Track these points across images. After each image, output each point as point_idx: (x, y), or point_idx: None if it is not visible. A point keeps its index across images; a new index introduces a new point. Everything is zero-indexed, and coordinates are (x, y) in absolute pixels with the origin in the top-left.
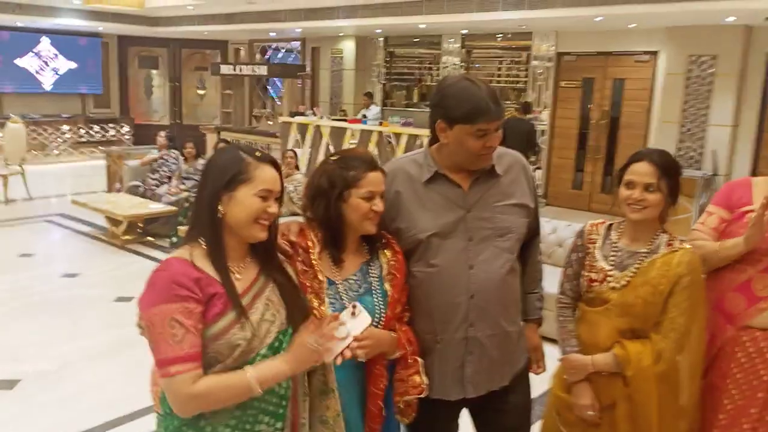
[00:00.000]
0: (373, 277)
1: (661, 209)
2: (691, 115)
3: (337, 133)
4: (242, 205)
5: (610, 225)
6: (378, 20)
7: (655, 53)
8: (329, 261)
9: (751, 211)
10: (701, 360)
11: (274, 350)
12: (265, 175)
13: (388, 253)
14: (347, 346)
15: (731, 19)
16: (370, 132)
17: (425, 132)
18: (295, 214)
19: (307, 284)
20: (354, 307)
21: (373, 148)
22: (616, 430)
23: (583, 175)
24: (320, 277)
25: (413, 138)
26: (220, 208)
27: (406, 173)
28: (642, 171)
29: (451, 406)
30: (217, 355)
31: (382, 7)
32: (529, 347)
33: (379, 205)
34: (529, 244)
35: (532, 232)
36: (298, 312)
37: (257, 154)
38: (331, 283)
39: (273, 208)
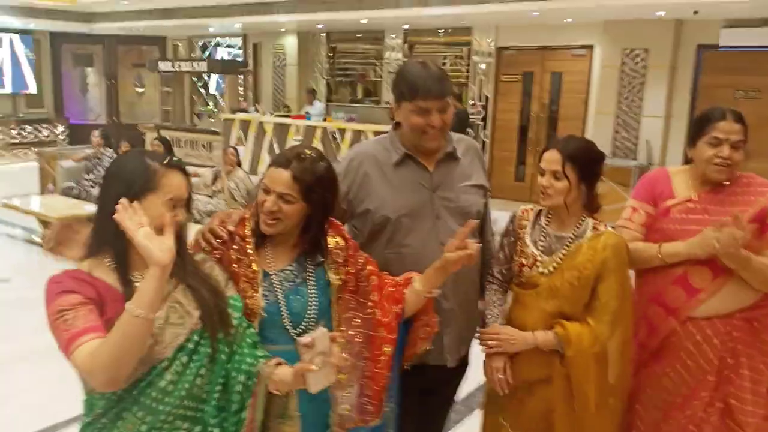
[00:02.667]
0: (310, 267)
1: (572, 195)
2: (625, 106)
3: (281, 130)
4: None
5: (540, 211)
6: (318, 15)
7: (591, 47)
8: (265, 252)
9: (677, 204)
10: (630, 339)
11: (190, 353)
12: (173, 183)
13: (331, 241)
14: (332, 365)
15: (662, 13)
16: (315, 128)
17: (370, 128)
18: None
19: (241, 273)
20: (304, 345)
21: (317, 144)
22: (550, 403)
23: (525, 168)
24: (255, 267)
25: (358, 134)
26: None
27: (373, 156)
28: (549, 158)
29: (426, 375)
30: None
31: (322, 2)
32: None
33: (269, 202)
34: (483, 224)
35: (487, 211)
36: (215, 312)
37: (164, 161)
38: (265, 274)
39: (180, 215)
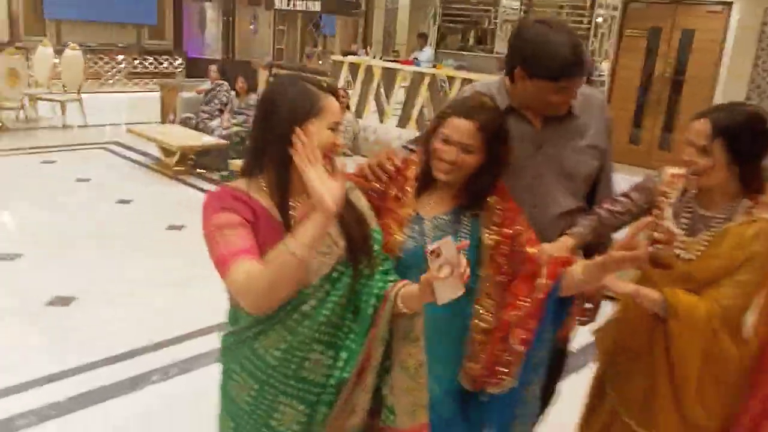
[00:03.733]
0: (465, 221)
1: (719, 176)
2: (762, 71)
3: (389, 75)
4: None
5: None
6: None
7: (729, 4)
8: (424, 197)
9: None
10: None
11: (333, 282)
12: (334, 107)
13: (492, 200)
14: (459, 275)
15: None
16: (423, 74)
17: (480, 77)
18: (344, 155)
19: (394, 211)
20: (432, 252)
21: (424, 92)
22: (653, 380)
23: (641, 131)
24: (409, 209)
25: (467, 82)
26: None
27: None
28: (696, 129)
29: None
30: None
31: None
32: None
33: (450, 152)
34: (596, 188)
35: (603, 175)
36: (360, 243)
37: (324, 84)
38: (419, 218)
39: (340, 139)
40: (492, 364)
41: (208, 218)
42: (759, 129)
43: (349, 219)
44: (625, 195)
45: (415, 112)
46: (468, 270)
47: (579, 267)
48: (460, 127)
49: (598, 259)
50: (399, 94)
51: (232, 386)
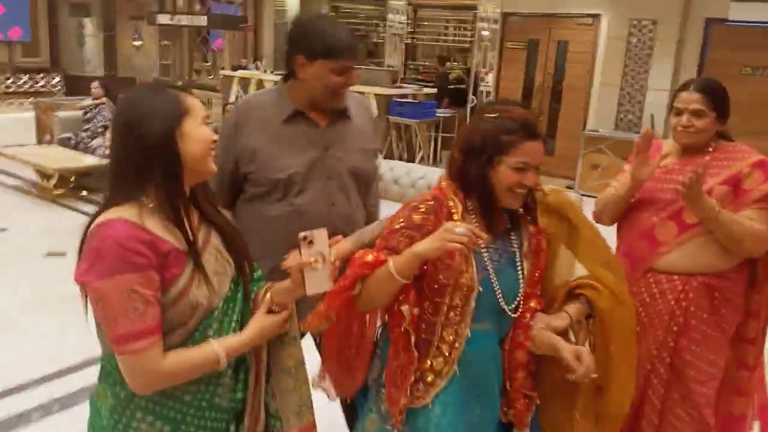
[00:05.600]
0: (514, 247)
1: None
2: (631, 78)
3: None
4: (195, 137)
5: None
6: None
7: (597, 16)
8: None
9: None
10: None
11: (229, 301)
12: (198, 103)
13: (531, 228)
14: (330, 267)
15: None
16: None
17: (372, 90)
18: None
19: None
20: (304, 237)
21: None
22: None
23: None
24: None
25: (360, 94)
26: (179, 147)
27: (261, 111)
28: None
29: None
30: (180, 318)
31: None
32: None
33: (530, 178)
34: (370, 187)
35: (377, 174)
36: (244, 258)
37: (179, 84)
38: (475, 252)
39: (215, 135)
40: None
41: (108, 274)
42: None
43: (230, 231)
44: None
45: None
46: (337, 263)
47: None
48: (535, 150)
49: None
50: None
51: None
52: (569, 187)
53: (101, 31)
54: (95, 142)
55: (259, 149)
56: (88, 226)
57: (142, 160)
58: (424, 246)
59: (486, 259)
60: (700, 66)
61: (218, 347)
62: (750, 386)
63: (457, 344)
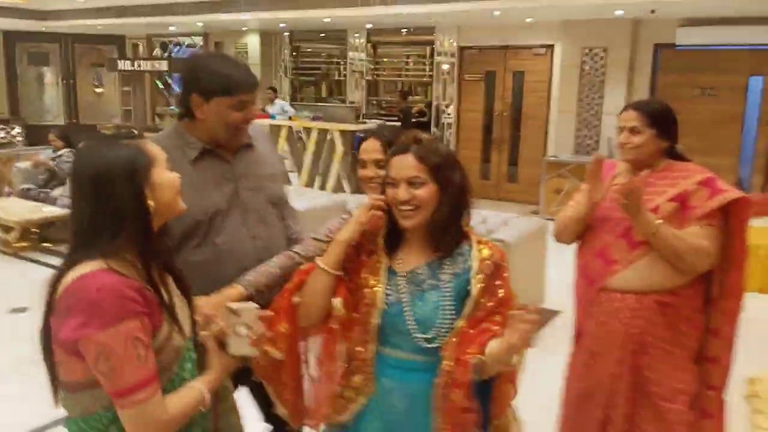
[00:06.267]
0: (445, 277)
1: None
2: (586, 104)
3: None
4: (164, 185)
5: None
6: (280, 13)
7: (551, 46)
8: (398, 252)
9: (611, 185)
10: None
11: (183, 361)
12: (158, 149)
13: (485, 252)
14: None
15: (620, 12)
16: (279, 127)
17: (335, 126)
18: None
19: (370, 264)
20: (231, 309)
21: (283, 144)
22: None
23: (489, 166)
24: (383, 263)
25: (324, 132)
26: (150, 202)
27: (166, 154)
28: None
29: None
30: (167, 363)
31: (283, 0)
32: None
33: (400, 194)
34: (285, 211)
35: (286, 197)
36: (189, 296)
37: (134, 132)
38: (392, 272)
39: (178, 177)
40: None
41: (111, 324)
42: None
43: (179, 273)
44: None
45: None
46: (264, 337)
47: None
48: (400, 164)
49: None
50: None
51: None
52: (534, 213)
53: (61, 79)
54: (56, 193)
55: None
56: (56, 281)
57: (113, 218)
58: (342, 232)
59: (402, 282)
60: (652, 89)
61: (201, 386)
62: (719, 408)
63: (369, 362)
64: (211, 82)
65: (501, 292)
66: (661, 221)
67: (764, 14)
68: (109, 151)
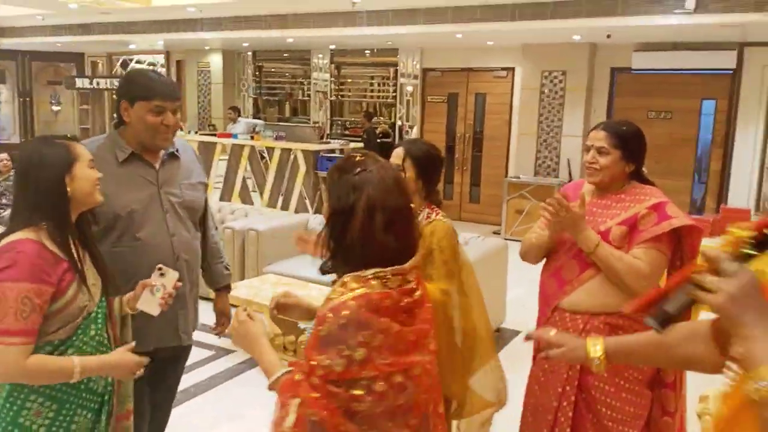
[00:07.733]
0: None
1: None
2: (546, 126)
3: (208, 148)
4: (83, 178)
5: None
6: (243, 33)
7: (512, 69)
8: None
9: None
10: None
11: (100, 307)
12: (83, 149)
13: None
14: (163, 300)
15: (577, 37)
16: (242, 146)
17: (298, 146)
18: None
19: None
20: (159, 268)
21: (245, 163)
22: None
23: (453, 187)
24: None
25: (287, 152)
26: (68, 188)
27: (97, 156)
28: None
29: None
30: (71, 318)
31: (246, 20)
32: (219, 311)
33: None
34: (205, 217)
35: (207, 206)
36: (105, 275)
37: (68, 135)
38: None
39: (98, 174)
40: None
41: (14, 280)
42: (432, 155)
43: (97, 254)
44: None
45: (237, 185)
46: (170, 301)
47: None
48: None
49: None
50: (220, 166)
51: (24, 416)
52: (496, 233)
53: (17, 97)
54: (7, 213)
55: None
56: None
57: (38, 200)
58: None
59: None
60: (609, 112)
61: (78, 363)
62: None
63: None
64: (135, 89)
65: None
66: (599, 240)
67: (715, 40)
68: (42, 146)
